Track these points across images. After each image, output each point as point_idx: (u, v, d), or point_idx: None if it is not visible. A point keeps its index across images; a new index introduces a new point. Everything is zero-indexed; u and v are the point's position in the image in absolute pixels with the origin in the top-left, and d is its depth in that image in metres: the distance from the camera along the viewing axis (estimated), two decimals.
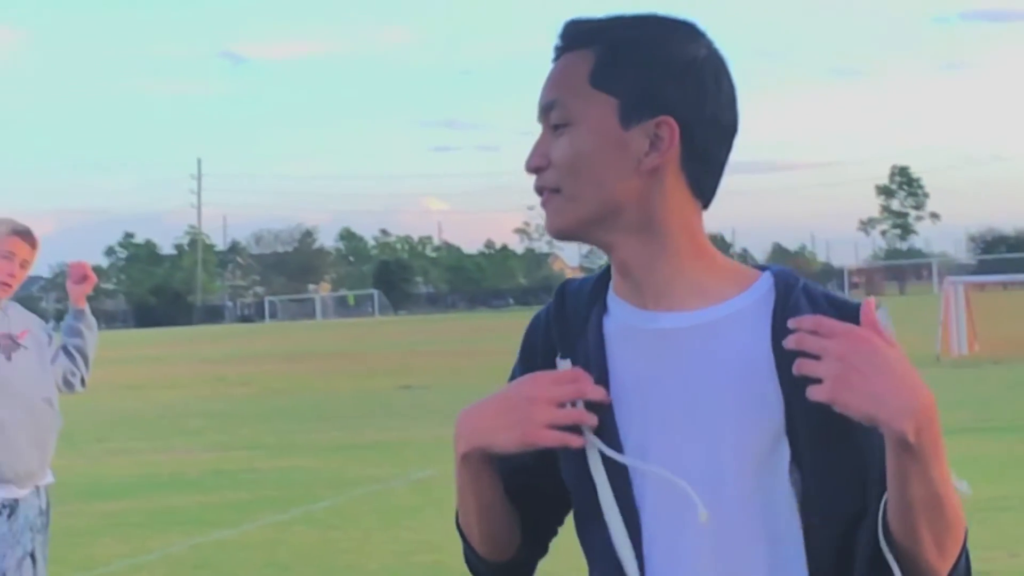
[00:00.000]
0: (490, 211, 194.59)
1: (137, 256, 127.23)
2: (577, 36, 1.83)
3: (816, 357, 1.64)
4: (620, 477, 1.80)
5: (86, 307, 6.02)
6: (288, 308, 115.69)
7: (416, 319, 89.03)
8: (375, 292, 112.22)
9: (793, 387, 1.71)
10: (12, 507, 5.54)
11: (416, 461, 14.46)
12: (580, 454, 1.81)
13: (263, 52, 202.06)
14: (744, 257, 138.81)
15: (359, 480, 13.14)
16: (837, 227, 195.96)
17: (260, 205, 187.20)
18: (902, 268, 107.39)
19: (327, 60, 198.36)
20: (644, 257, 1.81)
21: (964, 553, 1.75)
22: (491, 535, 1.94)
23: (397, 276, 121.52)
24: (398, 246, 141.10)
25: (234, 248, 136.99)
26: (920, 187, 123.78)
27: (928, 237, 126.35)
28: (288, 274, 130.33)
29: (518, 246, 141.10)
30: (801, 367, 1.65)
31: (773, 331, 1.76)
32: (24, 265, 5.71)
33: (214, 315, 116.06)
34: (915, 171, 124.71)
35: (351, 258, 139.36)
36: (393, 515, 10.94)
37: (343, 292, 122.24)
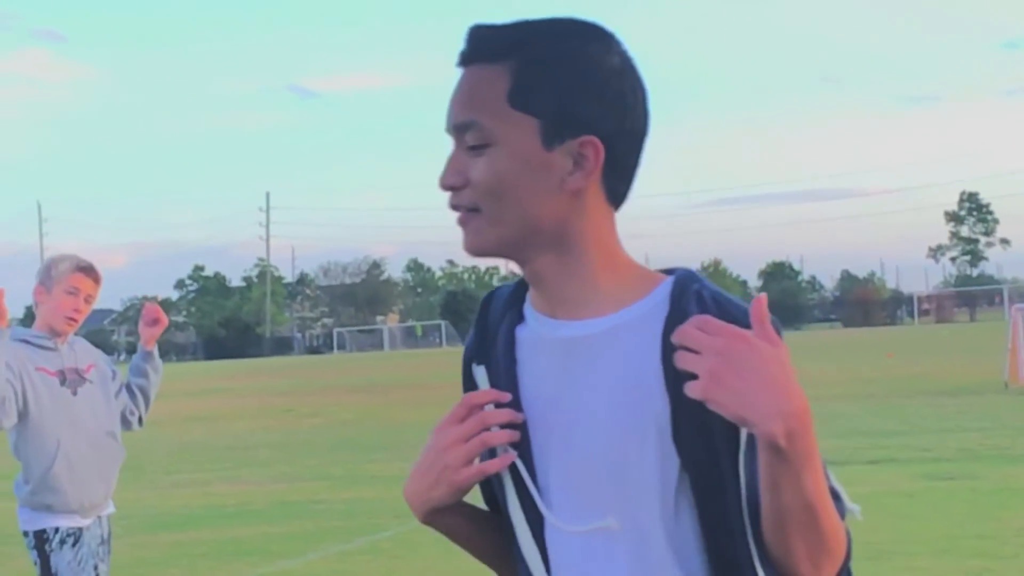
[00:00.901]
0: None
1: (207, 288, 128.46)
2: (489, 49, 1.79)
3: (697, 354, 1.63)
4: (526, 489, 1.83)
5: (155, 349, 6.12)
6: (356, 339, 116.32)
7: None
8: (442, 323, 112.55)
9: (679, 393, 1.68)
10: (77, 536, 5.67)
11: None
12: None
13: (331, 85, 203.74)
14: (812, 285, 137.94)
15: None
16: (906, 254, 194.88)
17: (328, 237, 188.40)
18: (972, 294, 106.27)
19: (393, 92, 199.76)
20: (558, 270, 1.80)
21: (845, 573, 1.72)
22: (503, 559, 1.97)
23: (464, 306, 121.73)
24: (465, 276, 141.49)
25: (302, 280, 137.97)
26: (990, 213, 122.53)
27: (999, 263, 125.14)
28: (356, 305, 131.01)
29: None
30: (681, 360, 1.63)
31: (664, 336, 1.74)
32: (88, 300, 5.83)
33: (283, 347, 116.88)
34: (984, 197, 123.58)
35: (418, 289, 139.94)
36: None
37: (411, 323, 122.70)
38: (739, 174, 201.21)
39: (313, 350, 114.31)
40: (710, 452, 1.71)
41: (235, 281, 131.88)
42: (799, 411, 1.59)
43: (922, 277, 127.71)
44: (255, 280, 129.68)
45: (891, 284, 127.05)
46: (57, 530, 5.64)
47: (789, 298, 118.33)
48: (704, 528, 1.74)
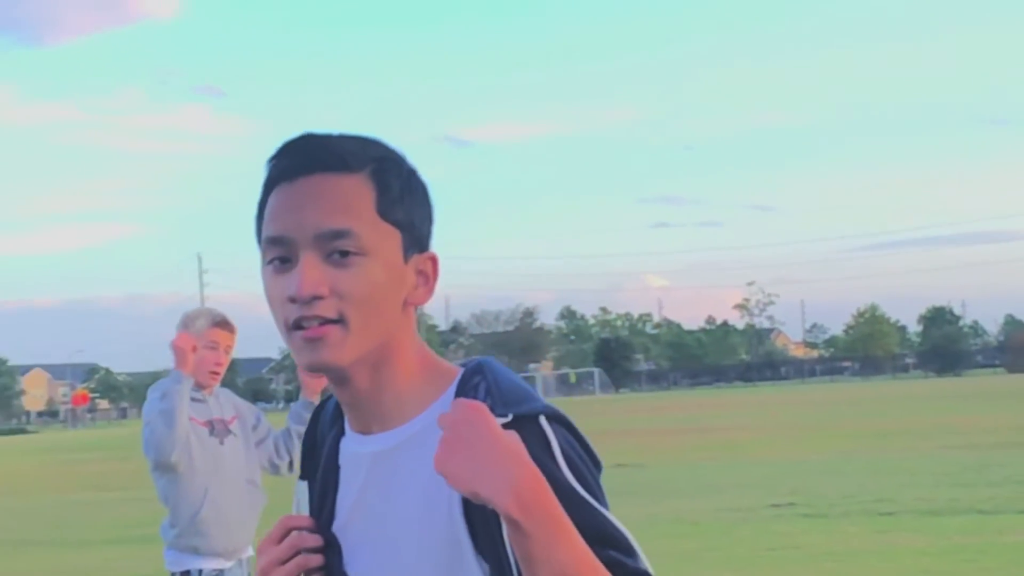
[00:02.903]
0: (711, 287, 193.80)
1: None
2: (342, 158, 1.75)
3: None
4: None
5: (317, 399, 6.30)
6: None
7: (637, 396, 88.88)
8: (596, 370, 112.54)
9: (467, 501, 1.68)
10: None
11: None
12: None
13: (484, 135, 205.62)
14: (975, 330, 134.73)
15: None
16: None
17: (481, 285, 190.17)
18: None
19: (547, 141, 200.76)
20: (374, 387, 1.77)
21: None
22: None
23: (618, 354, 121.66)
24: (618, 323, 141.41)
25: (456, 328, 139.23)
26: None
27: None
28: (509, 353, 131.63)
29: (739, 322, 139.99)
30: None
31: None
32: (227, 351, 6.08)
33: None
34: None
35: (572, 336, 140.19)
36: None
37: (565, 370, 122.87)
38: (898, 217, 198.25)
39: None
40: (499, 542, 1.68)
41: None
42: (532, 482, 1.56)
43: None
44: None
45: None
46: (201, 572, 5.90)
47: (950, 343, 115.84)
48: None
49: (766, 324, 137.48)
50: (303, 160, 1.74)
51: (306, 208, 1.72)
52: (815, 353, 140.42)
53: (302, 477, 1.92)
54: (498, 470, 1.55)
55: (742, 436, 32.61)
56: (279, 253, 1.73)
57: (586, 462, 1.75)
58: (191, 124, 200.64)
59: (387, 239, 1.74)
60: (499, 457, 1.56)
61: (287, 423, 6.34)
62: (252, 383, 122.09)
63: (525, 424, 1.69)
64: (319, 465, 1.89)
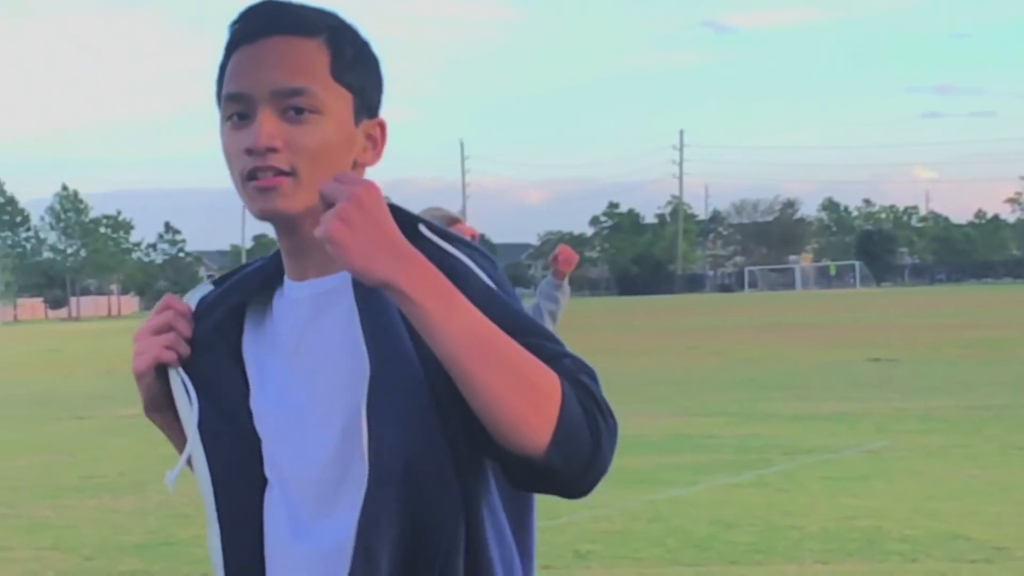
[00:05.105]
0: (981, 180, 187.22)
1: (620, 226, 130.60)
2: (302, 23, 1.88)
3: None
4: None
5: (565, 280, 6.69)
6: (768, 278, 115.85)
7: (898, 291, 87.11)
8: (857, 263, 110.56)
9: (373, 337, 1.78)
10: None
11: (871, 433, 14.64)
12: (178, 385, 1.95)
13: (747, 21, 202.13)
14: None
15: (813, 448, 13.48)
16: None
17: (741, 175, 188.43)
18: None
19: (812, 28, 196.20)
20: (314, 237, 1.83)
21: (566, 417, 1.70)
22: None
23: (880, 247, 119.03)
24: (882, 216, 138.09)
25: (715, 218, 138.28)
26: None
27: None
28: (768, 244, 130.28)
29: (1010, 216, 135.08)
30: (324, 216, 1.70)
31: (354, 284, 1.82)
32: (473, 239, 6.49)
33: (694, 284, 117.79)
34: None
35: (833, 228, 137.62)
36: (840, 482, 11.26)
37: (824, 263, 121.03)
38: None
39: (724, 288, 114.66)
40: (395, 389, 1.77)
41: (648, 218, 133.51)
42: (419, 264, 1.68)
43: None
44: (668, 218, 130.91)
45: None
46: None
47: None
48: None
49: None
50: (264, 23, 1.87)
51: (265, 67, 1.84)
52: None
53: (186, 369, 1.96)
54: (388, 248, 1.67)
55: (1003, 334, 31.83)
56: (238, 109, 1.86)
57: (504, 284, 1.85)
58: (453, 10, 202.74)
59: (339, 100, 1.86)
60: (389, 236, 1.68)
61: (536, 299, 6.74)
62: (511, 268, 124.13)
63: (447, 254, 1.81)
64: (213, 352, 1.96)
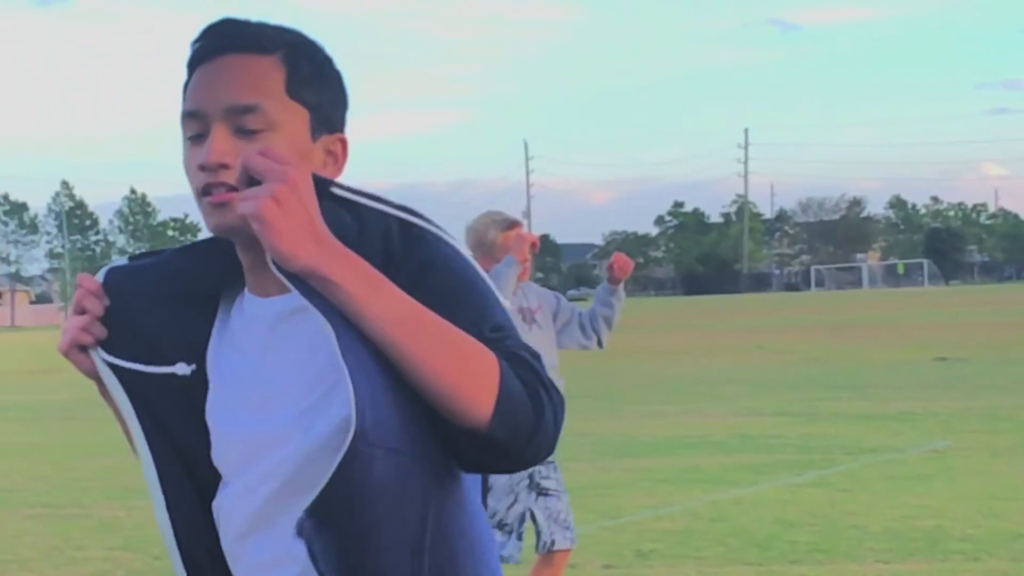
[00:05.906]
0: None
1: (685, 225, 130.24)
2: (257, 41, 1.91)
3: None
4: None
5: (620, 287, 6.79)
6: (835, 277, 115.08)
7: (967, 289, 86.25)
8: (925, 261, 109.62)
9: (348, 352, 1.75)
10: None
11: (936, 432, 14.58)
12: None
13: (813, 18, 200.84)
14: None
15: (876, 448, 13.44)
16: None
17: (807, 174, 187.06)
18: None
19: (878, 24, 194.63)
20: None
21: (506, 388, 1.74)
22: None
23: (949, 244, 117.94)
24: (950, 213, 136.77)
25: (781, 216, 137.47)
26: None
27: None
28: (835, 243, 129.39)
29: None
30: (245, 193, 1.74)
31: None
32: (534, 247, 6.56)
33: (760, 283, 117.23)
34: None
35: (901, 226, 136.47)
36: (903, 482, 11.23)
37: (892, 261, 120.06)
38: None
39: (790, 287, 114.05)
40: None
41: (714, 217, 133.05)
42: (341, 251, 1.74)
43: None
44: (733, 217, 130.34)
45: None
46: None
47: None
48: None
49: None
50: (220, 41, 1.91)
51: (219, 85, 1.88)
52: None
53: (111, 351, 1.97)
54: (314, 239, 1.72)
55: None
56: (195, 128, 1.89)
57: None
58: (519, 10, 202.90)
59: (294, 117, 1.88)
60: (313, 221, 1.73)
61: (593, 304, 6.83)
62: (576, 268, 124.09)
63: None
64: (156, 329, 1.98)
